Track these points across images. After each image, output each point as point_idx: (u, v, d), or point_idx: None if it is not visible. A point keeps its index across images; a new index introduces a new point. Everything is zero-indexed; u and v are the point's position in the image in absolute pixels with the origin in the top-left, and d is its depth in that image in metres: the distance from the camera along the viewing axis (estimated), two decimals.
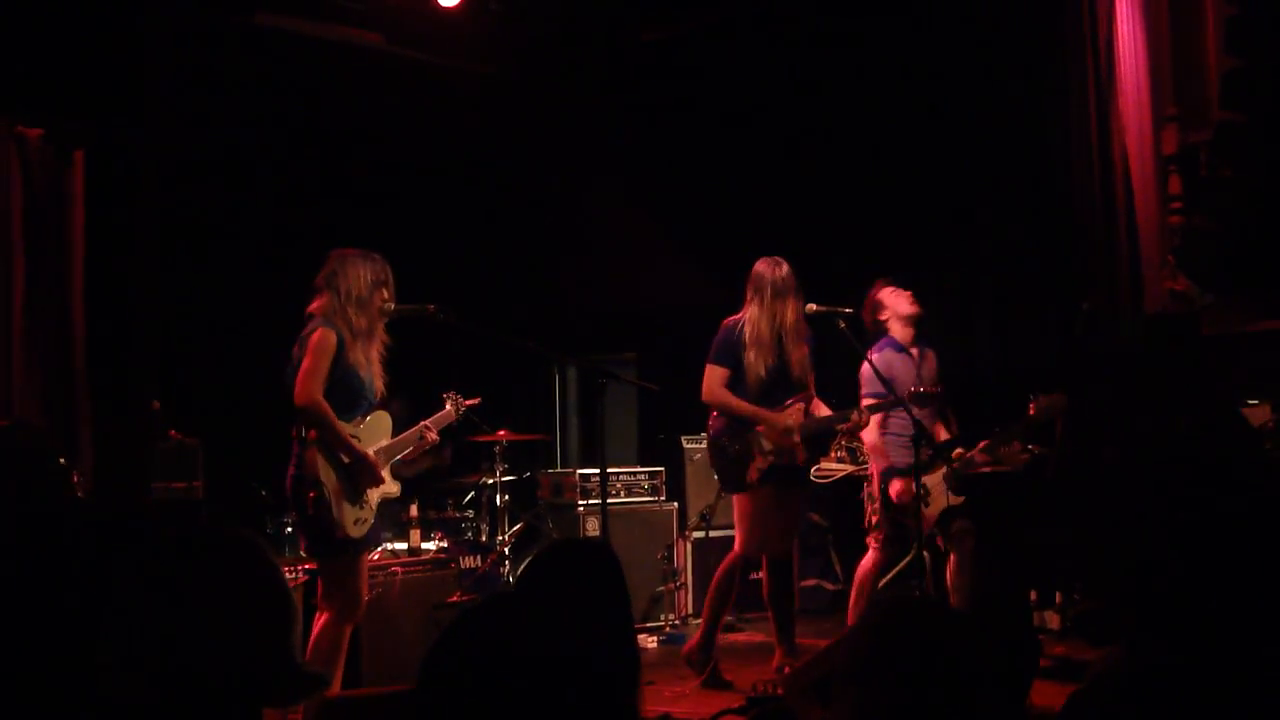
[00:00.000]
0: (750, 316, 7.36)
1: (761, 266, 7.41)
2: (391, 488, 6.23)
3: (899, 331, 7.75)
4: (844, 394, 7.77)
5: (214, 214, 8.67)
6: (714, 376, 7.35)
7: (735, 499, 7.45)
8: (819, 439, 7.63)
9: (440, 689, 1.86)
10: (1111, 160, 8.00)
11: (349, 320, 5.94)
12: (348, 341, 5.92)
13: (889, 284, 7.79)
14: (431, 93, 9.74)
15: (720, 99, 10.53)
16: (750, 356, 7.28)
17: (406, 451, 6.34)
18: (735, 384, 7.33)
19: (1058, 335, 8.90)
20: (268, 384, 6.05)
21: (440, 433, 6.55)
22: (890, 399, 7.35)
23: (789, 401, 7.34)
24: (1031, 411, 7.51)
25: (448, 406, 6.66)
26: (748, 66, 10.25)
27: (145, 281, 6.96)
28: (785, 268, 7.38)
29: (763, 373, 7.25)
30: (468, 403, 6.81)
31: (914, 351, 7.76)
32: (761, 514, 7.31)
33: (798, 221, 10.47)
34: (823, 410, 7.51)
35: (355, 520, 5.92)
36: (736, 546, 7.44)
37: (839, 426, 7.60)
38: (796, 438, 7.33)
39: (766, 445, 7.24)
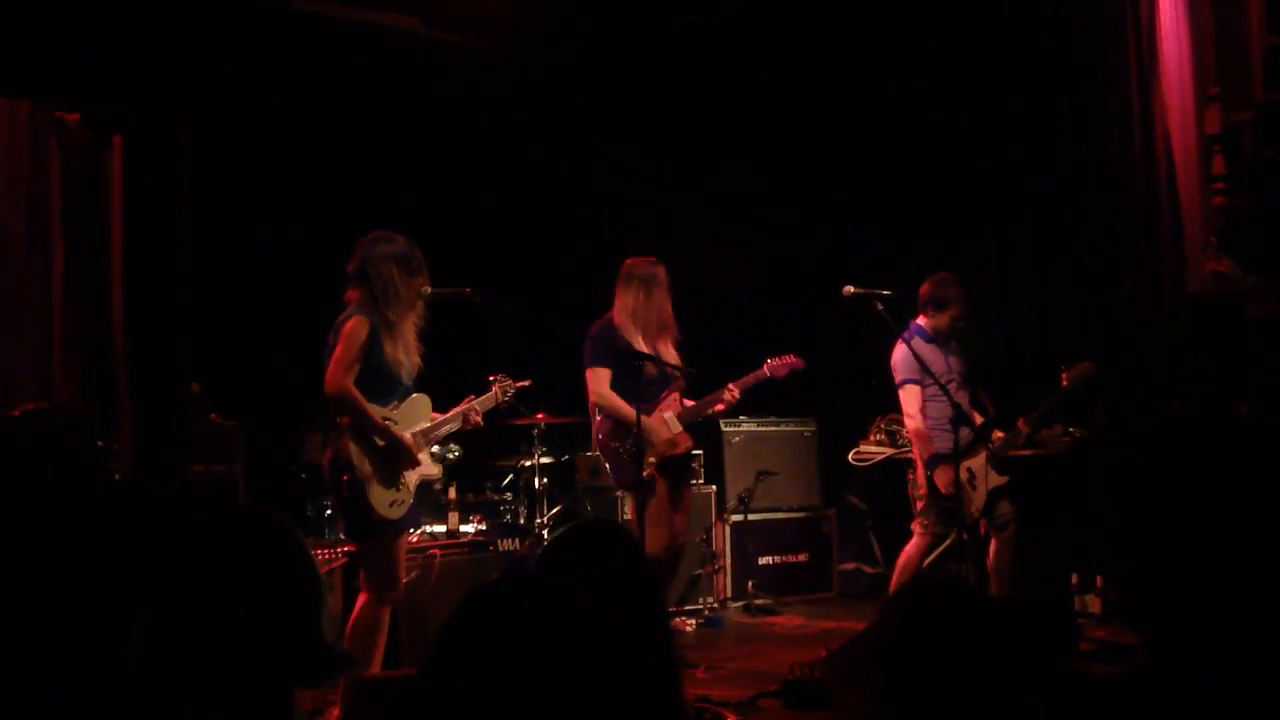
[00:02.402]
0: (632, 309, 7.37)
1: (640, 265, 7.46)
2: (431, 469, 6.27)
3: (930, 326, 7.77)
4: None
5: (252, 198, 8.70)
6: (601, 379, 7.32)
7: (632, 499, 7.45)
8: (696, 424, 7.73)
9: (452, 667, 1.86)
10: (1153, 140, 7.92)
11: (385, 317, 5.98)
12: (382, 331, 5.95)
13: (964, 299, 7.75)
14: (470, 76, 9.74)
15: (760, 81, 10.49)
16: (635, 347, 7.26)
17: (446, 431, 6.33)
18: (617, 380, 7.31)
19: (1100, 317, 8.84)
20: (308, 367, 6.08)
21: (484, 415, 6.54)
22: (754, 377, 7.60)
23: (663, 395, 7.42)
24: (1064, 383, 7.51)
25: (493, 390, 6.63)
26: (787, 47, 10.20)
27: (184, 265, 6.98)
28: (662, 267, 7.46)
29: (647, 364, 7.24)
30: (518, 384, 6.76)
31: (940, 345, 7.77)
32: (662, 508, 7.30)
33: (837, 203, 10.46)
34: (688, 401, 7.60)
35: (391, 503, 5.95)
36: (649, 546, 7.33)
37: (713, 409, 7.64)
38: (678, 428, 7.42)
39: (653, 443, 7.25)
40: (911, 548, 7.76)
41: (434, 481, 6.50)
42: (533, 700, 1.81)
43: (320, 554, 6.87)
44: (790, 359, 7.71)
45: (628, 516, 8.86)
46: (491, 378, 6.67)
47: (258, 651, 2.20)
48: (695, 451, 9.71)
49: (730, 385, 7.52)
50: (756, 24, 10.09)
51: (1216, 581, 2.07)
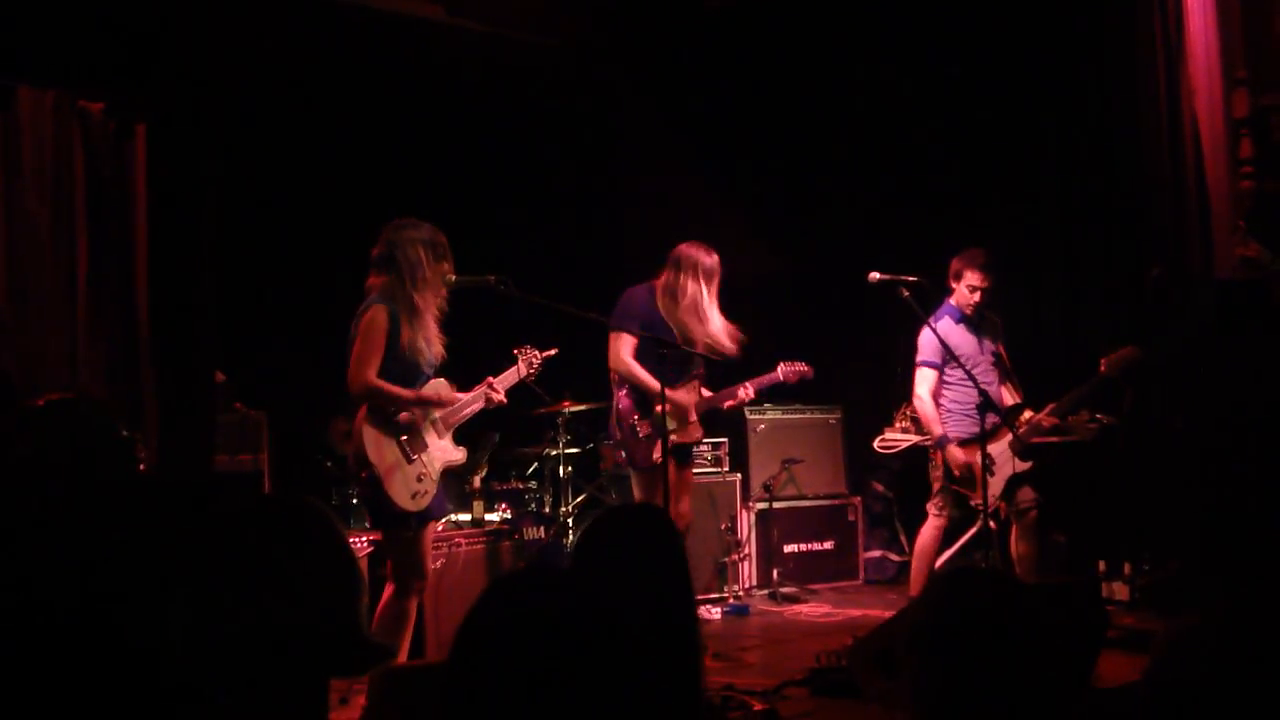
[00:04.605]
0: (681, 289, 7.35)
1: (695, 250, 7.43)
2: (455, 455, 6.24)
3: (959, 303, 7.72)
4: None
5: (276, 185, 8.68)
6: (624, 345, 7.32)
7: (636, 479, 7.45)
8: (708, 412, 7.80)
9: (473, 657, 1.84)
10: (1181, 124, 7.87)
11: (410, 300, 5.95)
12: (403, 319, 5.93)
13: (982, 271, 7.69)
14: (493, 64, 9.71)
15: (785, 67, 10.44)
16: (678, 331, 7.27)
17: (468, 411, 6.31)
18: (642, 351, 7.31)
19: (1127, 301, 8.79)
20: (333, 356, 6.07)
21: (507, 393, 6.48)
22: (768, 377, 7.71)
23: (685, 380, 7.44)
24: (1103, 369, 7.46)
25: (519, 364, 6.58)
26: (810, 34, 10.15)
27: (208, 253, 6.98)
28: (716, 256, 7.44)
29: (680, 347, 7.22)
30: (545, 354, 6.69)
31: (972, 324, 7.73)
32: (672, 491, 7.25)
33: (862, 189, 10.41)
34: (706, 391, 7.64)
35: (413, 494, 5.93)
36: None
37: (726, 404, 7.69)
38: (693, 416, 7.50)
39: (671, 424, 7.19)
40: (927, 530, 7.78)
41: (459, 467, 6.45)
42: (554, 691, 1.79)
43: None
44: (801, 366, 7.80)
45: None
46: (516, 350, 6.63)
47: (293, 640, 2.18)
48: (720, 440, 9.73)
49: (746, 384, 7.62)
50: (779, 9, 10.04)
51: None
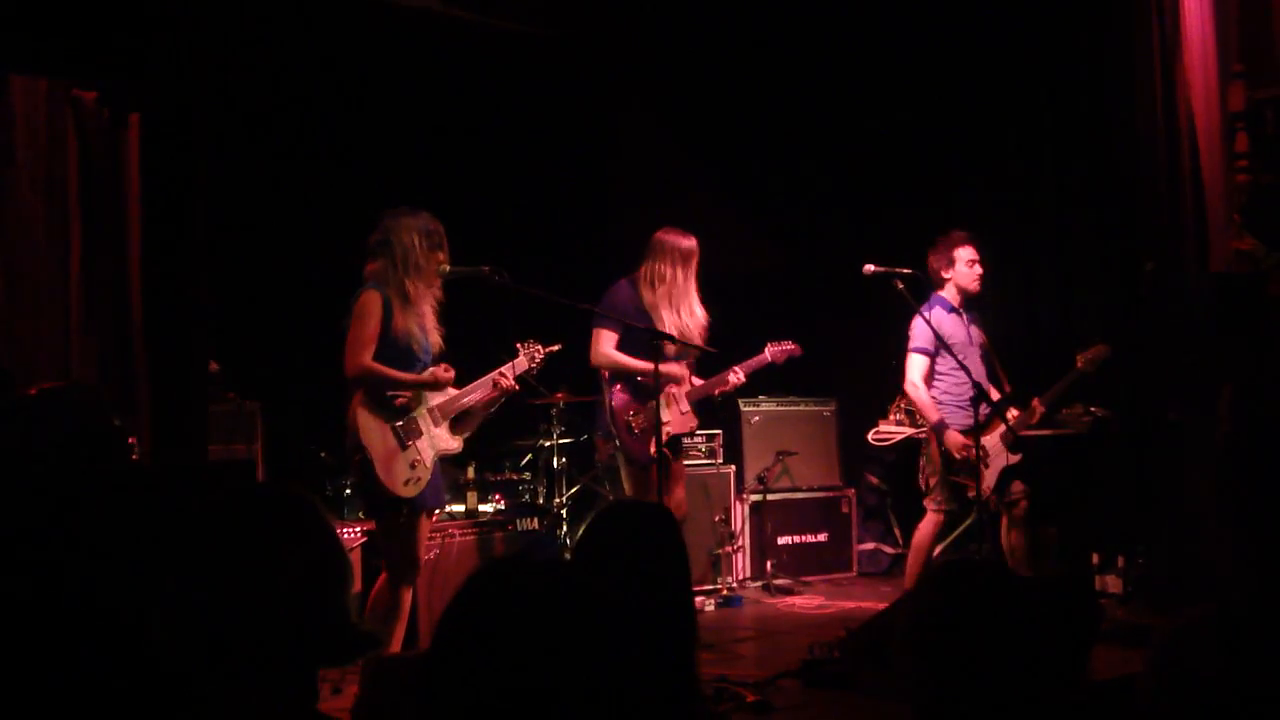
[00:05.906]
0: (660, 275, 7.35)
1: (673, 235, 7.43)
2: (452, 444, 6.25)
3: (953, 295, 7.73)
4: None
5: (270, 175, 8.66)
6: (605, 340, 7.34)
7: (629, 474, 7.45)
8: (702, 404, 7.77)
9: (454, 646, 1.82)
10: (1176, 118, 7.87)
11: (402, 285, 5.96)
12: (396, 305, 5.93)
13: (970, 245, 7.72)
14: (487, 55, 9.68)
15: (780, 58, 10.42)
16: (657, 318, 7.26)
17: (480, 399, 6.32)
18: (627, 344, 7.32)
19: (1121, 295, 8.79)
20: (328, 345, 6.06)
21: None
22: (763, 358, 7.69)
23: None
24: (1079, 365, 7.48)
25: (521, 357, 6.58)
26: (805, 24, 10.14)
27: (201, 243, 6.96)
28: (694, 240, 7.43)
29: (671, 336, 7.20)
30: (549, 349, 6.71)
31: (963, 315, 7.74)
32: (663, 483, 7.27)
33: (856, 181, 10.41)
34: (697, 379, 7.62)
35: (406, 480, 5.93)
36: None
37: (717, 390, 7.69)
38: (686, 405, 7.48)
39: (665, 415, 7.17)
40: (925, 526, 7.75)
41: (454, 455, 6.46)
42: (536, 683, 1.77)
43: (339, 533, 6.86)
44: (789, 345, 7.78)
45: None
46: (519, 344, 6.63)
47: (282, 630, 2.18)
48: (715, 432, 9.73)
49: (735, 368, 7.60)
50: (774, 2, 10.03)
51: None
